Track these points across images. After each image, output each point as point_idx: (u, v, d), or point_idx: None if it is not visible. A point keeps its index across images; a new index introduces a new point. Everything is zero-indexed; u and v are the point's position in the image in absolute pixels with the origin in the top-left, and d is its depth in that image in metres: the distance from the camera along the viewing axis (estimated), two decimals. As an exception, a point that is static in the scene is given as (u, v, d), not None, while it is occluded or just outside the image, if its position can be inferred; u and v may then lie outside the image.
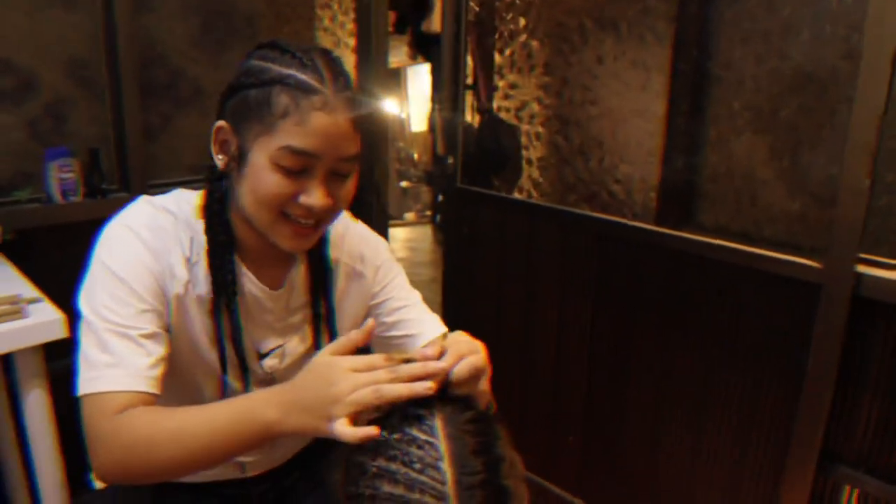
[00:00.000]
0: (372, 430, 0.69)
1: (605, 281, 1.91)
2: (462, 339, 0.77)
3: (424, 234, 5.86)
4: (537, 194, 2.14)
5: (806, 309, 1.51)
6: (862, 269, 1.43)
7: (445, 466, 0.63)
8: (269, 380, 1.09)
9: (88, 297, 0.92)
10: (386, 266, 1.16)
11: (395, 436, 0.67)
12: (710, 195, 1.76)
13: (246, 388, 1.05)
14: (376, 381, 0.71)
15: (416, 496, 0.62)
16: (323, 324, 1.10)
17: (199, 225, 0.98)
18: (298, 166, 0.88)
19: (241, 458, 1.10)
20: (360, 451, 0.69)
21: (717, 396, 1.72)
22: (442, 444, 0.65)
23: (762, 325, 1.60)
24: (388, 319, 1.15)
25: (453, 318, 2.31)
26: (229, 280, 0.98)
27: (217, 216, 0.98)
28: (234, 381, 1.04)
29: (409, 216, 6.37)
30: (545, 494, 2.20)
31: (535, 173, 2.13)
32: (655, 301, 1.80)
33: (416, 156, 6.61)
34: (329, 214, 0.95)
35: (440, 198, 4.93)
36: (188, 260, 0.97)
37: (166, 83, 2.27)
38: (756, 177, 1.65)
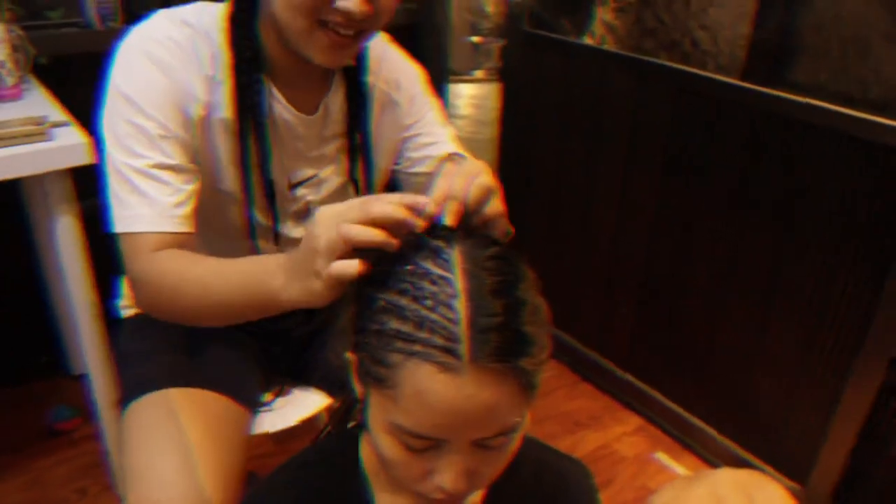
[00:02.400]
0: (352, 267, 0.66)
1: (678, 142, 1.81)
2: (464, 165, 0.70)
3: (493, 91, 5.71)
4: (612, 40, 1.99)
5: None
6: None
7: (459, 305, 0.59)
8: (305, 211, 1.09)
9: (109, 125, 0.93)
10: (421, 97, 1.14)
11: (408, 267, 0.62)
12: (810, 47, 1.61)
13: (275, 222, 1.05)
14: (347, 222, 0.66)
15: (425, 335, 0.59)
16: (359, 155, 1.09)
17: (222, 38, 0.95)
18: None
19: None
20: (370, 283, 0.65)
21: (788, 281, 1.66)
22: (458, 281, 0.60)
23: (855, 199, 1.51)
24: (415, 155, 1.14)
25: (508, 174, 2.26)
26: (256, 102, 0.96)
27: (244, 27, 0.94)
28: (259, 212, 1.04)
29: (478, 73, 6.18)
30: (594, 366, 2.22)
31: (611, 17, 1.98)
32: (732, 169, 1.71)
33: (489, 7, 6.32)
34: (369, 24, 0.91)
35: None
36: (209, 78, 0.95)
37: None
38: (871, 26, 1.48)
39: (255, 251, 1.05)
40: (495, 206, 0.69)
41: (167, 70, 0.92)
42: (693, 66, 1.78)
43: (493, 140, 2.35)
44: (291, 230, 1.10)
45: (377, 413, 0.65)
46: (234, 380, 1.08)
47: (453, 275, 0.61)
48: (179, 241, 0.91)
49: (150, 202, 0.90)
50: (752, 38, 1.64)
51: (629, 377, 2.12)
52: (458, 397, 0.58)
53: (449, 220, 0.65)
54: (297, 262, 0.73)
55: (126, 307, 1.19)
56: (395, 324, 0.60)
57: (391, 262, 0.64)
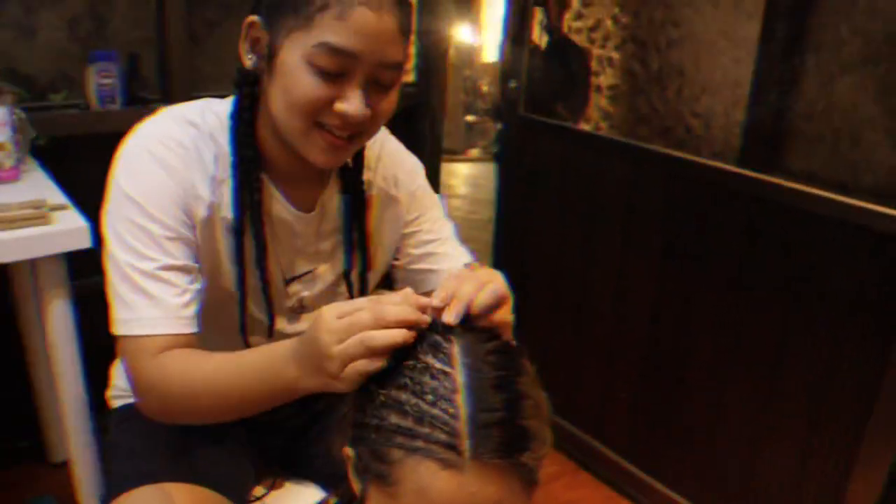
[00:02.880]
0: (374, 365, 0.67)
1: (674, 227, 1.85)
2: (478, 272, 0.73)
3: (488, 171, 5.83)
4: (606, 126, 2.05)
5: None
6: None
7: (460, 400, 0.60)
8: (299, 307, 1.11)
9: (112, 227, 0.93)
10: (420, 193, 1.16)
11: (409, 362, 0.64)
12: (803, 136, 1.68)
13: (269, 318, 1.06)
14: (361, 328, 0.68)
15: (426, 430, 0.59)
16: (356, 251, 1.10)
17: (225, 138, 0.97)
18: (336, 68, 0.86)
19: None
20: (371, 378, 0.67)
21: (791, 364, 1.67)
22: (458, 375, 0.61)
23: (850, 287, 1.53)
24: (416, 252, 1.15)
25: (506, 258, 2.28)
26: (256, 200, 0.98)
27: (246, 126, 0.97)
28: (254, 308, 1.05)
29: (473, 152, 6.32)
30: (594, 454, 2.19)
31: (605, 103, 2.05)
32: (729, 253, 1.74)
33: (483, 87, 6.51)
34: (366, 127, 0.93)
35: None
36: (213, 178, 0.96)
37: (213, -14, 2.26)
38: (860, 116, 1.54)
39: (246, 346, 1.06)
40: (503, 314, 0.71)
41: (172, 172, 0.93)
42: (688, 152, 1.83)
43: (489, 220, 2.38)
44: (285, 326, 1.11)
45: None
46: (226, 474, 1.06)
47: (453, 369, 0.62)
48: (185, 342, 0.92)
49: (158, 304, 0.91)
50: (745, 126, 1.69)
51: (630, 466, 2.08)
52: (460, 495, 0.58)
53: (448, 318, 0.67)
54: (307, 358, 0.76)
55: (116, 397, 1.18)
56: (395, 419, 0.61)
57: (390, 357, 0.66)
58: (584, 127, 2.12)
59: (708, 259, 1.78)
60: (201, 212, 0.96)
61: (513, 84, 2.19)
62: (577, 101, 2.14)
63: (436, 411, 0.60)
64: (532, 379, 0.65)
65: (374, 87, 0.90)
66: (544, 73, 2.21)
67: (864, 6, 1.51)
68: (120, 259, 0.91)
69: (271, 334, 1.08)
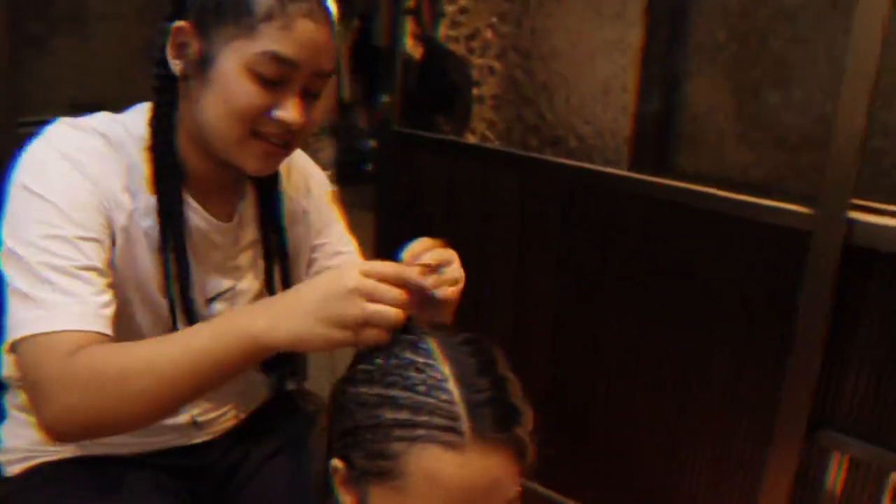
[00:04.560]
0: (395, 313, 0.75)
1: (572, 238, 1.94)
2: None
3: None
4: (493, 137, 2.13)
5: (794, 260, 1.59)
6: (855, 215, 1.50)
7: (451, 386, 0.68)
8: None
9: (13, 229, 0.91)
10: (327, 204, 1.24)
11: (393, 361, 0.72)
12: (690, 137, 1.83)
13: None
14: (393, 300, 0.76)
15: (424, 418, 0.67)
16: (276, 261, 1.15)
17: (135, 148, 0.99)
18: (276, 75, 0.92)
19: (192, 411, 1.13)
20: (352, 383, 0.74)
21: (699, 360, 1.79)
22: (443, 366, 0.70)
23: (747, 280, 1.68)
24: (327, 263, 1.21)
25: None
26: (177, 212, 1.00)
27: (165, 135, 0.99)
28: (183, 326, 1.05)
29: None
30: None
31: (489, 113, 2.13)
32: (629, 259, 1.85)
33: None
34: (300, 135, 0.99)
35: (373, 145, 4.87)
36: (128, 188, 0.98)
37: (36, -3, 2.12)
38: (741, 116, 1.71)
39: None
40: (455, 292, 0.89)
41: (88, 176, 0.93)
42: (580, 160, 1.94)
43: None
44: None
45: None
46: None
47: (436, 361, 0.71)
48: (103, 343, 0.89)
49: (75, 300, 0.88)
50: (634, 131, 1.81)
51: (540, 488, 2.13)
52: (466, 472, 0.67)
53: (405, 256, 0.83)
54: (298, 305, 0.79)
55: (11, 462, 1.11)
56: (390, 414, 0.68)
57: (365, 360, 0.74)
58: (470, 139, 2.17)
59: (608, 267, 1.88)
60: (121, 219, 0.96)
61: (385, 98, 2.22)
62: (458, 113, 2.20)
63: (431, 400, 0.68)
64: (506, 364, 0.75)
65: (307, 96, 0.97)
66: (419, 85, 2.26)
67: (736, 12, 1.69)
68: (29, 259, 0.88)
69: None
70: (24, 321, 0.87)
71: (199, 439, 1.18)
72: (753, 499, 1.73)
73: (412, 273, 0.80)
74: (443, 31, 2.25)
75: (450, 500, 0.67)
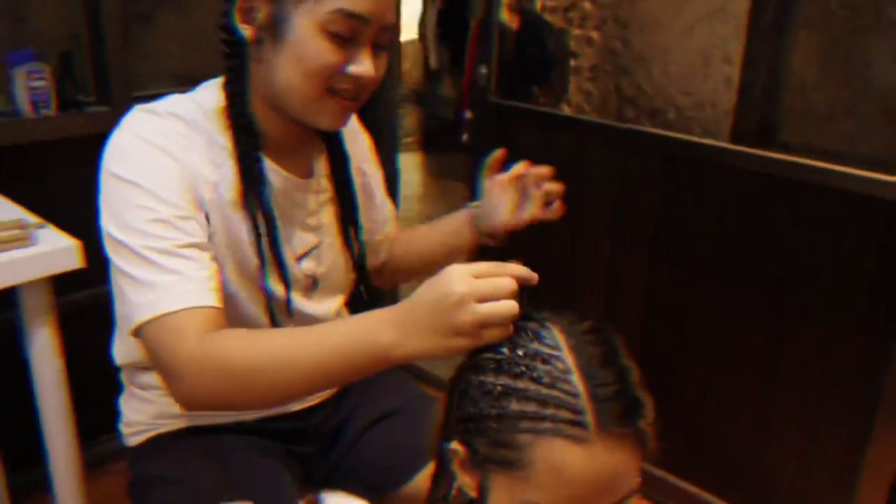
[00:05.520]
0: (511, 307, 0.75)
1: (667, 211, 1.95)
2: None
3: (411, 163, 5.86)
4: (589, 109, 2.16)
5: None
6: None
7: (576, 379, 0.70)
8: (311, 285, 1.19)
9: (113, 217, 0.97)
10: (373, 165, 1.34)
11: (519, 352, 0.74)
12: (796, 109, 1.80)
13: (288, 296, 1.13)
14: (505, 294, 0.76)
15: (551, 411, 0.69)
16: (350, 218, 1.22)
17: (211, 122, 1.05)
18: (348, 31, 0.97)
19: None
20: (477, 371, 0.76)
21: (792, 343, 1.79)
22: (567, 357, 0.72)
23: (853, 258, 1.66)
24: (366, 224, 1.29)
25: (484, 256, 2.33)
26: (259, 175, 1.06)
27: (241, 100, 1.05)
28: (275, 286, 1.11)
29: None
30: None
31: (586, 85, 2.16)
32: (726, 235, 1.85)
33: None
34: (370, 88, 1.05)
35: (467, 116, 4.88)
36: (212, 161, 1.04)
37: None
38: (852, 87, 1.70)
39: (273, 323, 1.12)
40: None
41: (173, 156, 1.00)
42: (679, 132, 1.95)
43: (429, 220, 2.41)
44: (304, 304, 1.18)
45: (505, 497, 0.74)
46: (267, 491, 1.12)
47: (561, 352, 0.72)
48: (219, 320, 0.95)
49: (186, 279, 0.93)
50: (737, 102, 1.81)
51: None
52: (591, 466, 0.69)
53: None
54: (422, 318, 0.79)
55: (133, 434, 1.22)
56: (516, 405, 0.71)
57: (490, 348, 0.76)
58: (566, 111, 2.21)
59: (705, 242, 1.88)
60: (208, 194, 1.02)
61: (483, 69, 2.26)
62: (555, 85, 2.23)
63: (556, 392, 0.70)
64: (626, 351, 0.77)
65: (376, 50, 1.02)
66: (516, 56, 2.28)
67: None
68: (131, 243, 0.94)
69: (291, 314, 1.14)
70: (140, 305, 0.93)
71: (304, 405, 1.26)
72: (853, 478, 1.73)
73: (514, 268, 0.79)
74: (540, 1, 2.28)
75: (573, 492, 0.70)
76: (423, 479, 1.19)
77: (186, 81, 1.17)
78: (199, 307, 0.92)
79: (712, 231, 1.88)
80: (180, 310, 0.91)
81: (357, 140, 1.29)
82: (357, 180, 1.24)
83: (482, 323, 0.75)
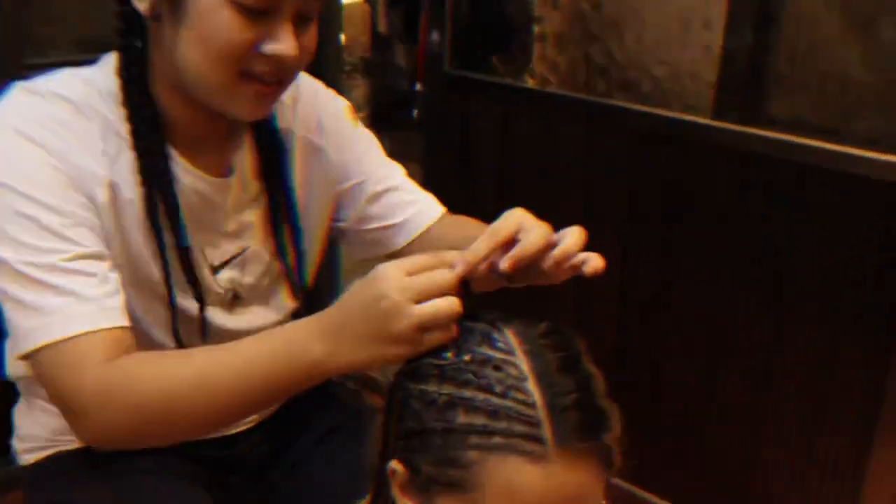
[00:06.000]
0: (452, 305, 0.71)
1: (642, 194, 1.87)
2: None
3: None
4: (556, 81, 2.06)
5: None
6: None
7: (531, 387, 0.65)
8: (233, 300, 1.09)
9: None
10: (350, 135, 1.17)
11: (465, 356, 0.69)
12: (785, 80, 1.70)
13: (202, 314, 1.05)
14: (442, 289, 0.72)
15: (502, 425, 0.64)
16: (285, 217, 1.10)
17: (107, 106, 0.95)
18: (262, 3, 0.86)
19: None
20: (417, 379, 0.71)
21: (790, 334, 1.71)
22: (522, 363, 0.67)
23: (850, 243, 1.59)
24: (369, 208, 1.16)
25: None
26: (163, 170, 0.96)
27: (139, 85, 0.95)
28: (186, 303, 1.03)
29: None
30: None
31: (552, 53, 2.05)
32: (709, 220, 1.78)
33: (343, 38, 6.33)
34: (295, 69, 0.95)
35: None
36: (105, 154, 0.94)
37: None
38: (848, 55, 1.59)
39: (179, 344, 1.04)
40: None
41: (53, 152, 0.89)
42: (655, 106, 1.86)
43: None
44: (222, 320, 1.09)
45: None
46: None
47: (515, 356, 0.67)
48: (126, 342, 0.88)
49: (81, 299, 0.86)
50: (720, 73, 1.72)
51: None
52: (549, 486, 0.64)
53: (503, 264, 0.78)
54: (351, 327, 0.75)
55: (27, 451, 1.12)
56: (464, 418, 0.65)
57: (436, 353, 0.71)
58: (529, 82, 2.11)
59: (685, 227, 1.81)
60: (100, 193, 0.92)
61: (435, 36, 2.15)
62: (517, 53, 2.12)
63: (509, 403, 0.64)
64: (588, 357, 0.71)
65: (300, 23, 0.91)
66: (473, 21, 2.18)
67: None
68: (13, 260, 0.85)
69: (205, 332, 1.06)
70: (30, 331, 0.85)
71: (232, 430, 1.15)
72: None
73: (452, 256, 0.75)
74: (499, -42, 2.14)
75: None
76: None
77: (91, 48, 1.04)
78: (99, 330, 0.85)
79: (694, 216, 1.81)
80: (76, 335, 0.84)
81: (316, 112, 1.14)
82: (309, 170, 1.13)
83: (421, 326, 0.71)
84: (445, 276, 0.72)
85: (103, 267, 0.90)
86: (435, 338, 0.71)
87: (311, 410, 1.23)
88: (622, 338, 2.00)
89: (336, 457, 1.17)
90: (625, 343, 2.00)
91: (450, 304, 0.71)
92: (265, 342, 0.83)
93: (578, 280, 1.88)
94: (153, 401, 0.83)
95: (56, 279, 0.85)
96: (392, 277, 0.72)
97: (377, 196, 1.16)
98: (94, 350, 0.84)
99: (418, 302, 0.71)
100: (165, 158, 0.96)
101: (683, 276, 1.84)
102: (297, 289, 1.14)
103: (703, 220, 1.78)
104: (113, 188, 0.93)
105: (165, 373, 0.84)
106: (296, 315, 1.14)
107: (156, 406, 0.83)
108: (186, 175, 0.99)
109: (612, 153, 1.89)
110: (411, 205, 1.16)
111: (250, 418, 1.17)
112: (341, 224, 1.19)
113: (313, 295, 1.17)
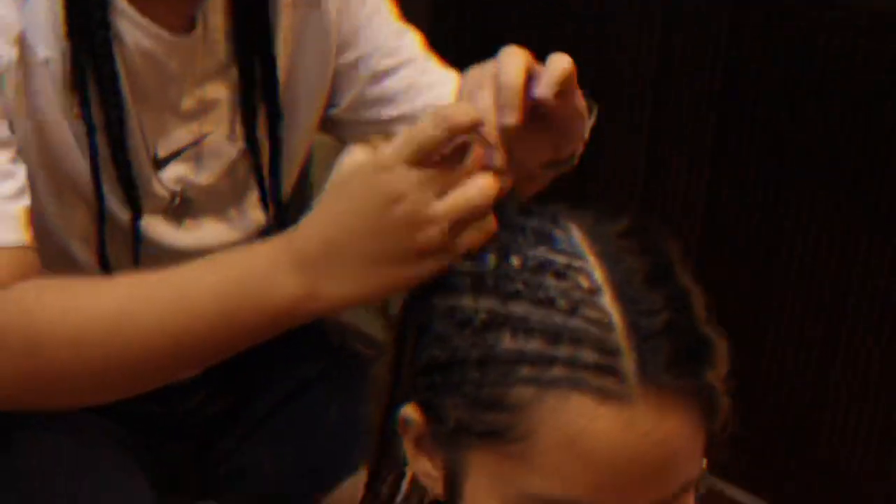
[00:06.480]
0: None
1: (736, 70, 1.69)
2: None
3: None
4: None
5: None
6: None
7: (607, 302, 0.54)
8: (180, 207, 0.96)
9: None
10: None
11: (513, 261, 0.58)
12: None
13: (135, 223, 0.92)
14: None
15: (566, 351, 0.53)
16: (259, 96, 0.95)
17: None
18: None
19: None
20: (445, 292, 0.59)
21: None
22: (595, 270, 0.56)
23: None
24: (370, 91, 1.01)
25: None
26: (98, 18, 0.82)
27: None
28: (116, 207, 0.90)
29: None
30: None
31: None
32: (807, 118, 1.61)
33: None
34: None
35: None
36: None
37: None
38: None
39: (105, 265, 0.92)
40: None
41: None
42: None
43: None
44: (162, 232, 0.96)
45: (488, 487, 0.58)
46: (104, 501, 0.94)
47: (585, 262, 0.57)
48: (25, 262, 0.76)
49: None
50: None
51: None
52: (627, 438, 0.53)
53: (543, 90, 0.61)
54: (348, 247, 0.61)
55: None
56: (510, 343, 0.55)
57: (474, 258, 0.60)
58: None
59: (788, 140, 1.65)
60: (9, 50, 0.79)
61: None
62: None
63: (577, 322, 0.54)
64: (685, 265, 0.61)
65: None
66: None
67: None
68: None
69: (137, 250, 0.93)
70: None
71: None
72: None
73: (460, 112, 0.58)
74: None
75: (599, 480, 0.53)
76: (353, 486, 0.89)
77: None
78: None
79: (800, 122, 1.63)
80: None
81: None
82: (303, 40, 0.97)
83: (454, 228, 0.58)
84: (479, 153, 0.59)
85: (3, 157, 0.78)
86: (469, 239, 0.58)
87: (281, 352, 1.05)
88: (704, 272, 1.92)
89: (316, 416, 1.04)
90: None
91: (481, 187, 0.57)
92: (214, 272, 0.69)
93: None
94: (57, 344, 0.70)
95: None
96: (401, 167, 0.58)
97: (384, 74, 1.01)
98: None
99: (442, 194, 0.58)
100: (102, 4, 0.82)
101: (783, 198, 1.68)
102: (270, 197, 0.98)
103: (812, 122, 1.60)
104: (22, 43, 0.80)
105: (74, 307, 0.71)
106: (265, 234, 0.96)
107: (60, 352, 0.70)
108: (131, 26, 0.84)
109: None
110: (428, 89, 1.00)
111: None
112: (332, 110, 1.03)
113: (287, 209, 1.01)
